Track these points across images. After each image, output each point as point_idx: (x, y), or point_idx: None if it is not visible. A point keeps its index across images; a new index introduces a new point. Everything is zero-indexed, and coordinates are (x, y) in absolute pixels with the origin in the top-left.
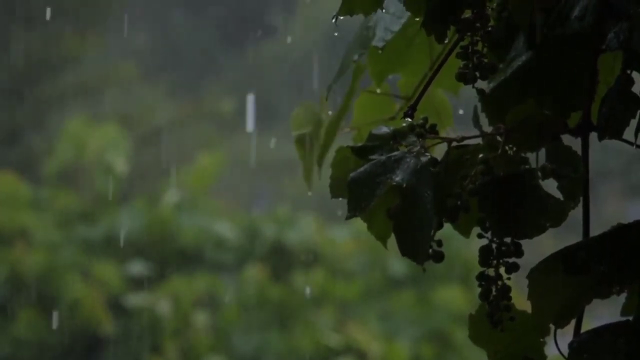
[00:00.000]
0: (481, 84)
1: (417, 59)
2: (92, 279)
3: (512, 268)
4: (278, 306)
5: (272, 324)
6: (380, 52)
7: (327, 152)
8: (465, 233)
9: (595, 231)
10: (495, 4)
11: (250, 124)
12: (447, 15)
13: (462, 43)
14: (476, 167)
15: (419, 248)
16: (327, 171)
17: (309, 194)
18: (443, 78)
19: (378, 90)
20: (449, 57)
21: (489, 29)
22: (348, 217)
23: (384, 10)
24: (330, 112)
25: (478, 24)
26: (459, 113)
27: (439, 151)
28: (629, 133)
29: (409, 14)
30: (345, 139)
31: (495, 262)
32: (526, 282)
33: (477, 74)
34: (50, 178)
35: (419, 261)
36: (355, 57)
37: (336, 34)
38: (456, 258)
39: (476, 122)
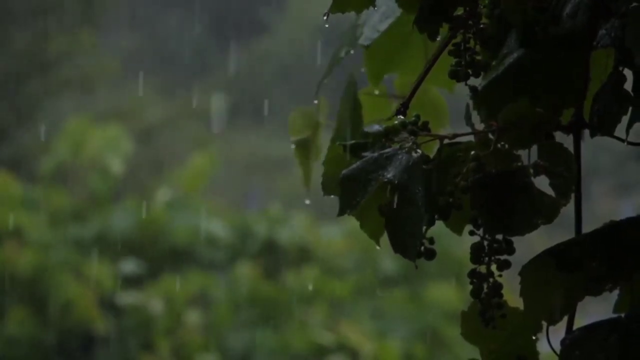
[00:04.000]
0: (474, 81)
1: (413, 58)
2: (84, 278)
3: (504, 265)
4: (270, 304)
5: (264, 322)
6: (375, 48)
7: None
8: (457, 230)
9: (586, 228)
10: (487, 2)
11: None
12: (439, 13)
13: (454, 40)
14: (468, 164)
15: (410, 244)
16: (320, 168)
17: (307, 202)
18: (438, 75)
19: (376, 92)
20: (441, 53)
21: (481, 26)
22: (340, 214)
23: (375, 8)
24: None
25: (470, 22)
26: (452, 110)
27: (432, 149)
28: (620, 130)
29: (397, 13)
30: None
31: (487, 259)
32: (518, 279)
33: (470, 71)
34: (46, 176)
35: (410, 257)
36: (342, 54)
37: (327, 26)
38: (448, 256)
39: (468, 120)
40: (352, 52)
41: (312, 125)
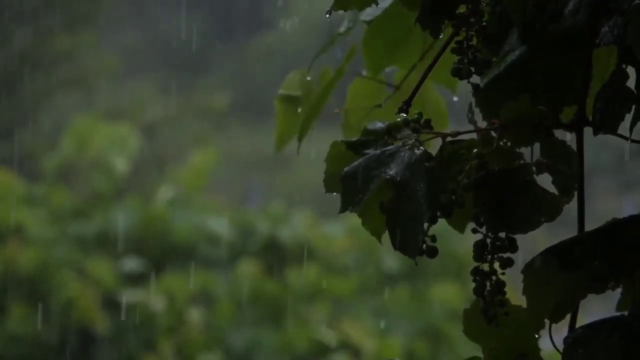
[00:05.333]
0: (477, 79)
1: (414, 51)
2: (86, 276)
3: (507, 263)
4: (272, 302)
5: (266, 320)
6: (374, 36)
7: (310, 127)
8: (460, 228)
9: (588, 226)
10: None
11: None
12: (442, 11)
13: (457, 38)
14: (471, 162)
15: (411, 242)
16: (322, 165)
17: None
18: (440, 73)
19: (364, 73)
20: (443, 52)
21: (484, 24)
22: (341, 211)
23: (377, 6)
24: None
25: (473, 20)
26: (454, 107)
27: (434, 146)
28: (623, 128)
29: None
30: (335, 125)
31: (489, 257)
32: (520, 277)
33: (472, 69)
34: (48, 175)
35: (411, 255)
36: (342, 29)
37: (329, 22)
38: (450, 254)
39: (471, 118)
40: (351, 28)
41: (306, 89)
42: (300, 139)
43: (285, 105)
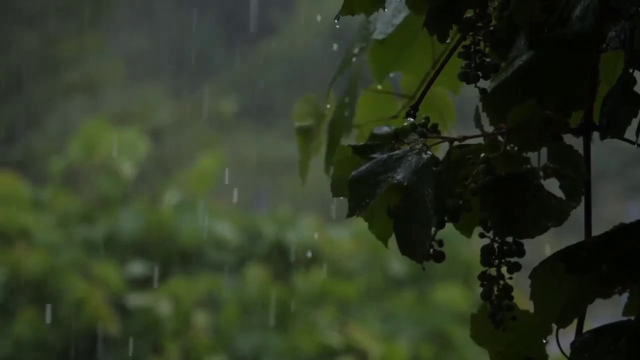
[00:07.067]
0: (483, 83)
1: (419, 57)
2: (92, 280)
3: (514, 267)
4: (278, 306)
5: (272, 324)
6: (381, 44)
7: (336, 148)
8: (467, 233)
9: (595, 231)
10: (496, 4)
11: None
12: (449, 15)
13: (464, 42)
14: (478, 166)
15: (418, 247)
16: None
17: (307, 202)
18: (444, 76)
19: (379, 87)
20: (451, 56)
21: (491, 28)
22: (349, 216)
23: (385, 10)
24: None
25: (480, 24)
26: (461, 112)
27: (441, 151)
28: (629, 132)
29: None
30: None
31: (497, 261)
32: (527, 281)
33: (479, 73)
34: (55, 178)
35: (418, 260)
36: (356, 50)
37: (336, 27)
38: (457, 258)
39: (478, 122)
40: (365, 47)
41: (317, 115)
42: (327, 161)
43: (303, 137)
